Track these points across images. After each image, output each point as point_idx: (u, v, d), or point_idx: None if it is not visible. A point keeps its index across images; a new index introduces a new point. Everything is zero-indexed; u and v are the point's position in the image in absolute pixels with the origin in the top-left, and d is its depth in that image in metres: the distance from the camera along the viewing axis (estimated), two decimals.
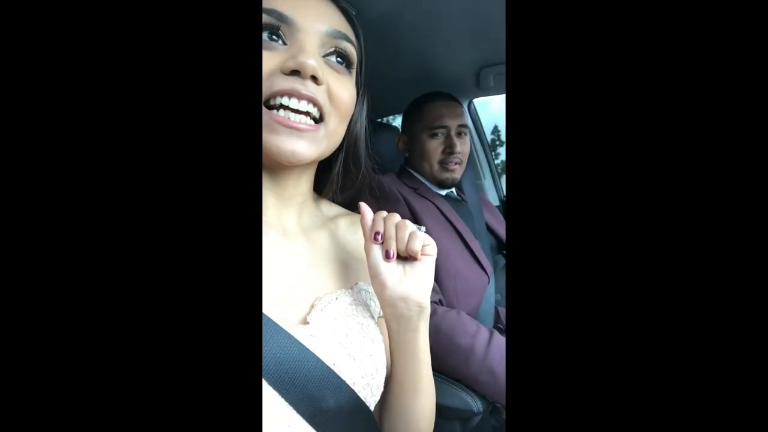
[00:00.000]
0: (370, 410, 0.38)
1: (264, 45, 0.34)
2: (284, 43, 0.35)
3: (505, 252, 1.02)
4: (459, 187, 1.04)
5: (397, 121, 1.30)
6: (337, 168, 0.45)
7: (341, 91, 0.37)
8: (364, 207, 0.41)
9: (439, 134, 0.94)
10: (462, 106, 1.01)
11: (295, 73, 0.34)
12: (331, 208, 0.48)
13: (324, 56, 0.37)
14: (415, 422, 0.41)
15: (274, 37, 0.35)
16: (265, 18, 0.34)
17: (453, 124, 0.94)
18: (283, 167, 0.38)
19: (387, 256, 0.38)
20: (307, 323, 0.36)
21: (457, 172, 0.95)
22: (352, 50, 0.39)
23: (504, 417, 0.74)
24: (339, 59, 0.38)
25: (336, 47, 0.38)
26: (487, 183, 1.53)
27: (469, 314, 0.77)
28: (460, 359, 0.70)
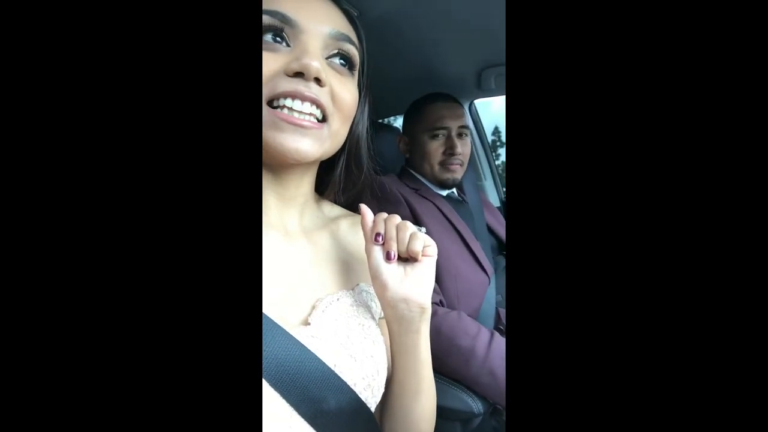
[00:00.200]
0: (371, 411, 0.38)
1: (268, 47, 0.34)
2: (288, 45, 0.35)
3: (505, 253, 1.01)
4: (460, 187, 1.04)
5: (398, 122, 1.30)
6: (339, 169, 0.45)
7: (344, 92, 0.38)
8: (365, 208, 0.41)
9: (440, 135, 0.94)
10: (463, 107, 1.01)
11: (299, 74, 0.34)
12: (332, 209, 0.48)
13: (327, 58, 0.37)
14: (415, 423, 0.41)
15: (277, 38, 0.35)
16: (269, 20, 0.34)
17: (454, 125, 0.94)
18: (286, 167, 0.38)
19: (388, 258, 0.38)
20: (309, 324, 0.36)
21: (458, 172, 0.95)
22: (354, 52, 0.39)
23: (504, 418, 0.74)
24: (342, 61, 0.39)
25: (339, 49, 0.38)
26: (488, 184, 1.53)
27: (469, 315, 0.77)
28: (461, 360, 0.70)
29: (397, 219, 0.40)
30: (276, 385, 0.32)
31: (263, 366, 0.31)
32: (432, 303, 0.76)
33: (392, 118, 1.45)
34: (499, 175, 1.56)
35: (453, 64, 1.07)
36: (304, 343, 0.34)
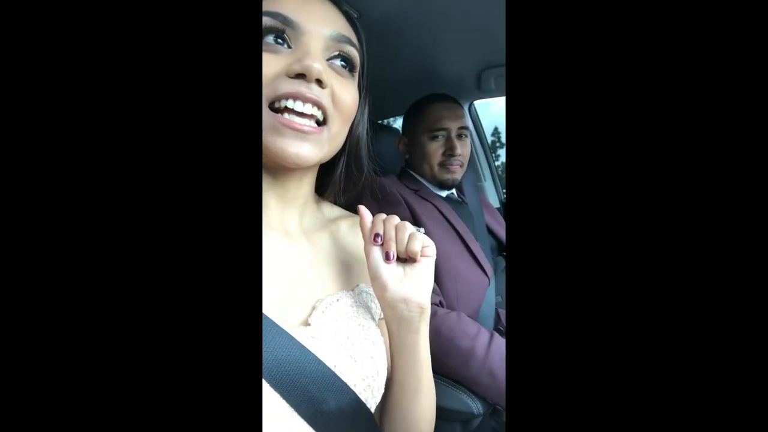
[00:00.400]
0: (371, 412, 0.38)
1: (269, 48, 0.35)
2: (289, 47, 0.36)
3: (505, 254, 1.02)
4: (459, 188, 1.05)
5: (398, 123, 1.30)
6: (339, 170, 0.45)
7: (345, 94, 0.38)
8: (363, 210, 0.41)
9: (440, 136, 0.94)
10: (463, 108, 1.01)
11: (300, 76, 0.34)
12: (332, 210, 0.48)
13: (328, 60, 0.38)
14: (415, 424, 0.41)
15: (279, 40, 0.35)
16: (271, 21, 0.35)
17: (453, 126, 0.94)
18: (286, 169, 0.38)
19: (387, 258, 0.38)
20: (309, 325, 0.36)
21: (458, 173, 0.95)
22: (355, 54, 0.39)
23: (504, 419, 0.74)
24: (343, 63, 0.39)
25: (340, 51, 0.38)
26: (488, 185, 1.53)
27: (469, 316, 0.77)
28: (461, 361, 0.70)
29: (395, 220, 0.40)
30: (276, 386, 0.32)
31: (263, 367, 0.31)
32: (432, 304, 0.76)
33: (392, 119, 1.45)
34: (498, 176, 1.56)
35: (453, 65, 1.07)
36: (304, 344, 0.34)
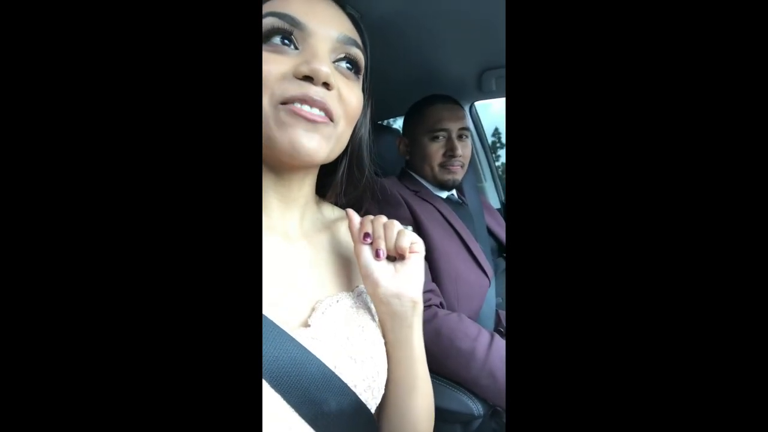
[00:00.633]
0: (371, 413, 0.38)
1: (276, 49, 0.35)
2: (296, 48, 0.36)
3: (505, 255, 1.02)
4: (460, 189, 1.05)
5: (398, 123, 1.30)
6: (341, 171, 0.45)
7: (350, 96, 0.38)
8: (351, 212, 0.43)
9: (441, 137, 0.94)
10: (463, 109, 1.01)
11: (308, 78, 0.34)
12: (332, 212, 0.48)
13: (334, 62, 0.38)
14: (413, 424, 0.41)
15: (286, 41, 0.35)
16: (278, 22, 0.35)
17: (454, 127, 0.94)
18: (289, 168, 0.38)
19: (377, 256, 0.40)
20: (309, 326, 0.36)
21: (459, 173, 0.95)
22: (360, 56, 0.40)
23: (504, 420, 0.73)
24: (348, 65, 0.39)
25: (346, 53, 0.38)
26: (488, 185, 1.53)
27: (469, 317, 0.77)
28: (461, 362, 0.70)
29: (383, 219, 0.42)
30: (277, 387, 0.32)
31: (264, 368, 0.31)
32: (432, 305, 0.77)
33: (392, 119, 1.45)
34: (499, 176, 1.56)
35: (453, 66, 1.07)
36: (305, 345, 0.34)
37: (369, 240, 0.40)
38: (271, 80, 0.34)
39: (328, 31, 0.36)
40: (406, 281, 0.40)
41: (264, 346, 0.31)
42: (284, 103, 0.34)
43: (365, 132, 0.45)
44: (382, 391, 0.40)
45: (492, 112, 1.58)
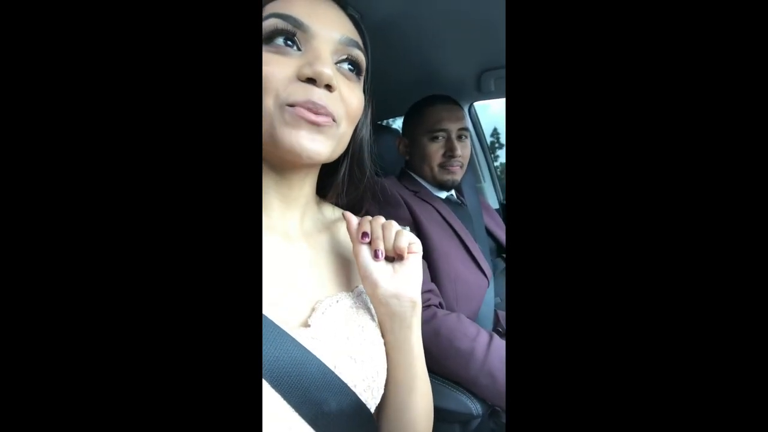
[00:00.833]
0: (371, 413, 0.38)
1: (279, 50, 0.35)
2: (298, 49, 0.36)
3: (504, 255, 1.02)
4: (459, 190, 1.05)
5: (398, 123, 1.30)
6: (342, 172, 0.45)
7: (352, 98, 0.38)
8: (348, 214, 0.43)
9: (440, 137, 0.94)
10: (463, 109, 1.01)
11: (311, 80, 0.34)
12: (332, 212, 0.48)
13: (336, 63, 0.38)
14: (412, 424, 0.41)
15: (289, 42, 0.36)
16: (281, 23, 0.35)
17: (454, 127, 0.94)
18: (290, 168, 0.39)
19: (375, 256, 0.40)
20: (309, 326, 0.36)
21: (458, 173, 0.96)
22: (362, 57, 0.40)
23: (503, 420, 0.74)
24: (350, 66, 0.39)
25: (348, 55, 0.38)
26: (487, 186, 1.53)
27: (468, 317, 0.77)
28: (460, 362, 0.70)
29: (381, 219, 0.42)
30: (277, 387, 0.32)
31: (264, 368, 0.31)
32: (431, 305, 0.77)
33: (391, 119, 1.45)
34: (498, 177, 1.56)
35: (453, 66, 1.08)
36: (305, 345, 0.34)
37: (367, 239, 0.40)
38: (275, 82, 0.34)
39: (331, 33, 0.37)
40: (404, 282, 0.40)
41: (264, 346, 0.31)
42: (290, 105, 0.34)
43: (366, 132, 0.46)
44: (382, 391, 0.40)
45: (491, 113, 1.58)
